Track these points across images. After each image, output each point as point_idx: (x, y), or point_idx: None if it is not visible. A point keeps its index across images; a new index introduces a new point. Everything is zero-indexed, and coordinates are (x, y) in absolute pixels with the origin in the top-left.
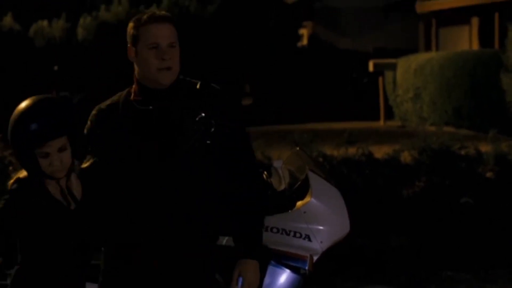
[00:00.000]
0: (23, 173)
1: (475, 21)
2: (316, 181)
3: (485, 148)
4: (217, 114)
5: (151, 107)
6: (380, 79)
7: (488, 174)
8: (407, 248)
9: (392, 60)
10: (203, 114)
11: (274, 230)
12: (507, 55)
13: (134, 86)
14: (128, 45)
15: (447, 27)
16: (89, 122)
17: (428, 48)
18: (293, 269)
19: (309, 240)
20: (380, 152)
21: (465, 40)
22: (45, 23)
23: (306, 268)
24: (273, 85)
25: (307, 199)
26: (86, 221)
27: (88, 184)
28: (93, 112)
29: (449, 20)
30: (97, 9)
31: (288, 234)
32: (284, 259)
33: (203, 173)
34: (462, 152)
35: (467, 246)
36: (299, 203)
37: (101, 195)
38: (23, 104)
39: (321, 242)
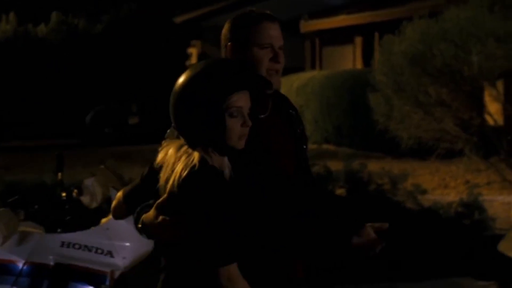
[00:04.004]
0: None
1: (358, 40)
2: None
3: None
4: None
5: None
6: None
7: (339, 191)
8: None
9: None
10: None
11: (76, 246)
12: (373, 74)
13: None
14: (228, 43)
15: (331, 46)
16: None
17: (313, 67)
18: (94, 285)
19: (111, 256)
20: None
21: (349, 59)
22: None
23: (107, 283)
24: (161, 105)
25: (110, 216)
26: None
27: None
28: None
29: (333, 40)
30: None
31: (90, 251)
32: (85, 275)
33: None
34: (313, 169)
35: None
36: (103, 220)
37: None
38: (197, 65)
39: (124, 258)
